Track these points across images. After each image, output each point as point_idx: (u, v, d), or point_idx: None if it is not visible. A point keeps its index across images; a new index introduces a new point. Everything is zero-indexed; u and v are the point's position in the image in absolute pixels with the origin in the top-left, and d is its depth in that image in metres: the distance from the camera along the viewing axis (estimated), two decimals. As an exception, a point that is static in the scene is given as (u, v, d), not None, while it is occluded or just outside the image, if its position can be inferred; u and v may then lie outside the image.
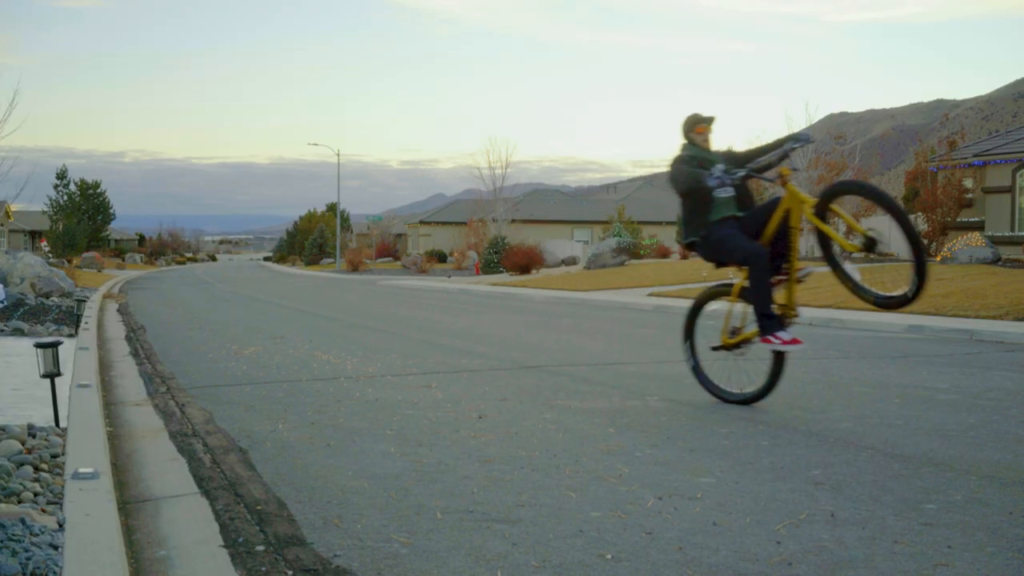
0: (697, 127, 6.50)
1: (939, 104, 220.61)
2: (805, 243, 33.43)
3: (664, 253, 43.88)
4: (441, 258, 59.68)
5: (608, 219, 54.17)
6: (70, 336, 11.84)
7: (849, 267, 6.43)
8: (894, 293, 6.07)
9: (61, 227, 58.73)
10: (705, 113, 6.53)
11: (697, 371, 6.74)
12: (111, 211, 72.28)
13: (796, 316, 6.31)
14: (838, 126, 42.58)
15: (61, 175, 66.54)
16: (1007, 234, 25.82)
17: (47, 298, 19.68)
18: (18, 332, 12.20)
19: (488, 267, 42.68)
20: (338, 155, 59.69)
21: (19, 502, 4.01)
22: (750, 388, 6.36)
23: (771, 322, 6.04)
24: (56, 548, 3.30)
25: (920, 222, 27.71)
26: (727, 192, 6.26)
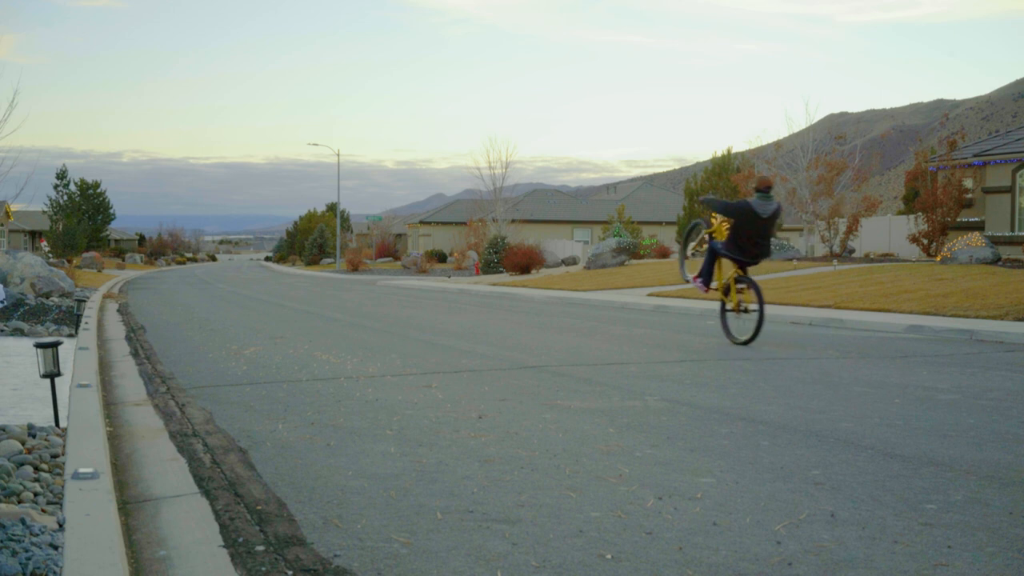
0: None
1: (939, 104, 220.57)
2: (805, 243, 33.46)
3: (664, 253, 43.86)
4: (441, 258, 59.66)
5: (608, 219, 54.12)
6: (70, 336, 11.84)
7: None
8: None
9: (61, 227, 58.70)
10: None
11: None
12: (111, 211, 72.29)
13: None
14: (838, 126, 42.58)
15: (61, 175, 66.55)
16: (1007, 234, 25.81)
17: (47, 298, 19.68)
18: (18, 332, 12.20)
19: (488, 267, 42.68)
20: (338, 155, 59.73)
21: (19, 502, 4.01)
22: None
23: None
24: (56, 548, 3.30)
25: (920, 222, 27.71)
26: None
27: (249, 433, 5.49)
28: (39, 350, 5.91)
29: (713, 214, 11.10)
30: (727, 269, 11.02)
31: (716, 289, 11.09)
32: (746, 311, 10.57)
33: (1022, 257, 22.88)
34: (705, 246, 11.22)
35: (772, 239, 10.98)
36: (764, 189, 10.51)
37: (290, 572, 3.16)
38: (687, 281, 11.47)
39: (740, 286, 10.73)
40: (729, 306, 10.83)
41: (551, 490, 4.17)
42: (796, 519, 3.72)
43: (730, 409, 6.23)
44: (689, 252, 11.83)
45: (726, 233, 10.71)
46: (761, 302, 10.24)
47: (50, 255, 50.66)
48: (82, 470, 3.99)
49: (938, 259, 22.95)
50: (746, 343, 10.32)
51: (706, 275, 11.10)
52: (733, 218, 10.57)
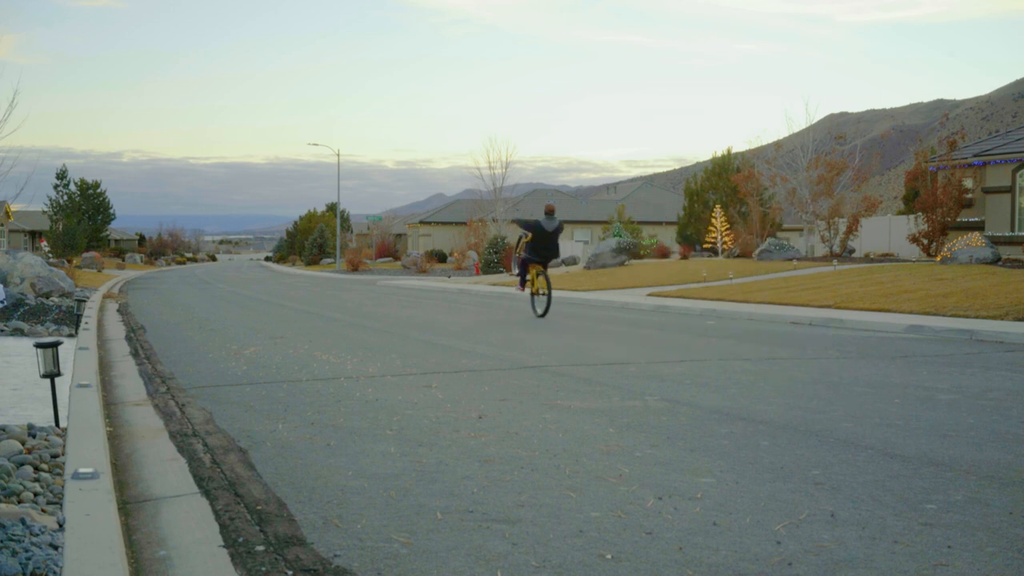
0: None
1: (939, 104, 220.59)
2: (805, 243, 33.46)
3: (664, 253, 43.85)
4: (441, 258, 59.66)
5: (608, 219, 54.09)
6: (70, 336, 11.84)
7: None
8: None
9: (61, 227, 58.68)
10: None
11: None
12: (111, 211, 72.30)
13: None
14: (838, 126, 42.57)
15: (61, 175, 66.55)
16: (1007, 234, 25.81)
17: (47, 298, 19.68)
18: (18, 332, 12.20)
19: (488, 267, 42.68)
20: (338, 155, 59.71)
21: (19, 502, 4.01)
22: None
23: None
24: (56, 548, 3.30)
25: (920, 222, 27.73)
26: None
27: (249, 433, 5.49)
28: (39, 350, 5.91)
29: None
30: (532, 269, 15.56)
31: (528, 283, 15.71)
32: (543, 295, 15.26)
33: (1022, 257, 22.88)
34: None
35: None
36: (549, 212, 15.43)
37: (290, 572, 3.16)
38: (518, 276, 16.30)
39: (540, 278, 15.34)
40: (533, 291, 15.52)
41: (551, 490, 4.17)
42: (796, 519, 3.72)
43: (730, 409, 6.23)
44: (518, 254, 16.32)
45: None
46: (549, 289, 15.20)
47: (50, 255, 50.66)
48: (82, 470, 3.99)
49: (938, 259, 22.95)
50: (542, 315, 14.99)
51: (522, 277, 15.88)
52: (531, 232, 15.34)
